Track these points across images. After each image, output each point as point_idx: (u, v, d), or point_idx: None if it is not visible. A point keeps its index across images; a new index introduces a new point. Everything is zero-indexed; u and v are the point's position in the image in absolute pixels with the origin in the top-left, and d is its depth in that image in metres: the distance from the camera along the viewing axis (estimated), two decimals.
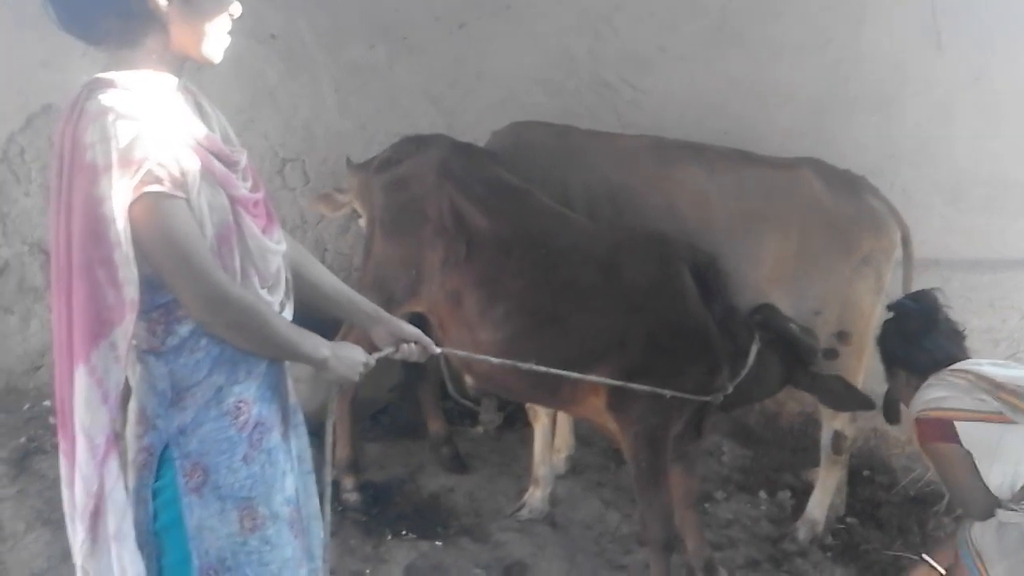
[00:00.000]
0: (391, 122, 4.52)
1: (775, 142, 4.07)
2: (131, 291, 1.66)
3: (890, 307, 2.98)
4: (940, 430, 2.61)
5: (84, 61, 4.39)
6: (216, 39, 1.80)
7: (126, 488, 1.77)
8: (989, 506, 2.56)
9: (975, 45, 4.24)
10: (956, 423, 2.58)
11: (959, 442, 2.58)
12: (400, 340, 2.17)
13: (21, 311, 4.62)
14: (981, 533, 2.57)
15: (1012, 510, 2.51)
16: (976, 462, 2.56)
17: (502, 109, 4.49)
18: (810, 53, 4.38)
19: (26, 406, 4.50)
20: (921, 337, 2.81)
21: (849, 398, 3.28)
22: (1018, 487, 2.53)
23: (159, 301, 1.77)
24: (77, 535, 1.76)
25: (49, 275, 4.62)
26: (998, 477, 2.54)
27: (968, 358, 2.79)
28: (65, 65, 4.40)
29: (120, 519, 1.74)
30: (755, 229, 3.58)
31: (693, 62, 4.49)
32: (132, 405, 1.88)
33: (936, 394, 2.65)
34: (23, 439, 4.16)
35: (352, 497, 3.81)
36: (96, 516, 1.73)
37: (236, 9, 1.82)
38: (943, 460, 2.65)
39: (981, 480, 2.56)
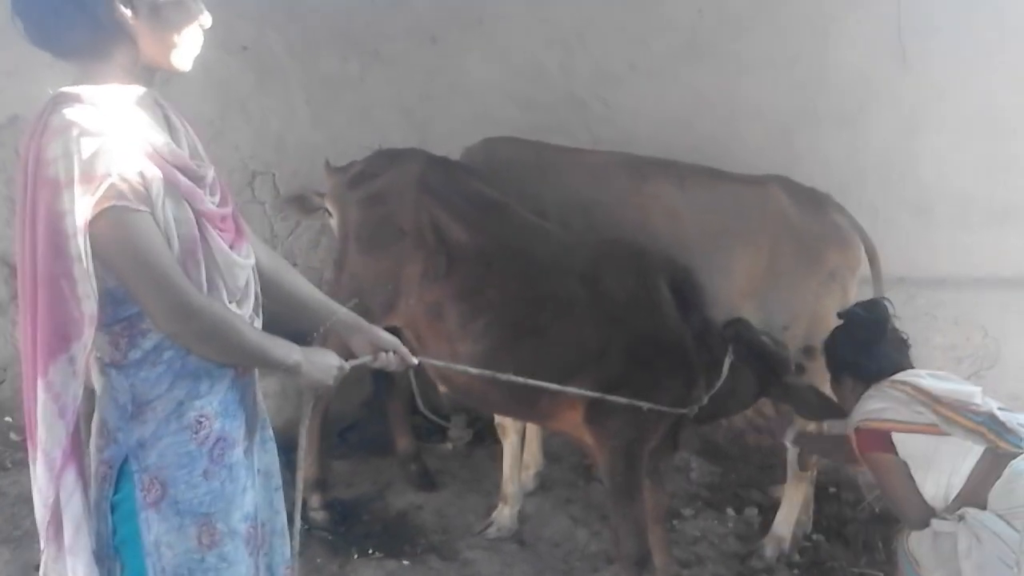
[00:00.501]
0: (363, 135, 4.50)
1: (743, 158, 4.10)
2: (90, 306, 1.66)
3: (841, 315, 3.03)
4: (878, 440, 2.68)
5: (51, 72, 4.35)
6: (186, 50, 1.80)
7: (85, 502, 1.77)
8: (925, 515, 2.63)
9: (940, 61, 4.29)
10: (893, 434, 2.65)
11: (895, 452, 2.65)
12: (378, 349, 2.15)
13: None
14: (918, 543, 2.63)
15: (946, 519, 2.57)
16: (912, 472, 2.63)
17: (474, 123, 4.48)
18: (778, 70, 4.42)
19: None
20: (870, 345, 2.88)
21: (822, 407, 3.27)
22: (951, 497, 2.59)
23: (122, 314, 1.76)
24: (40, 543, 1.78)
25: (13, 288, 4.60)
26: (932, 487, 2.61)
27: (912, 367, 2.86)
28: (31, 76, 4.32)
29: (75, 532, 1.75)
30: (726, 244, 3.62)
31: (663, 78, 4.51)
32: (95, 417, 1.88)
33: (875, 405, 2.72)
34: None
35: (319, 515, 3.78)
36: (54, 528, 1.75)
37: (206, 20, 1.82)
38: (881, 469, 2.72)
39: (917, 490, 2.63)
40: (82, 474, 1.78)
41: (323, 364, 1.97)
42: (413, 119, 4.64)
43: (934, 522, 2.60)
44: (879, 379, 2.79)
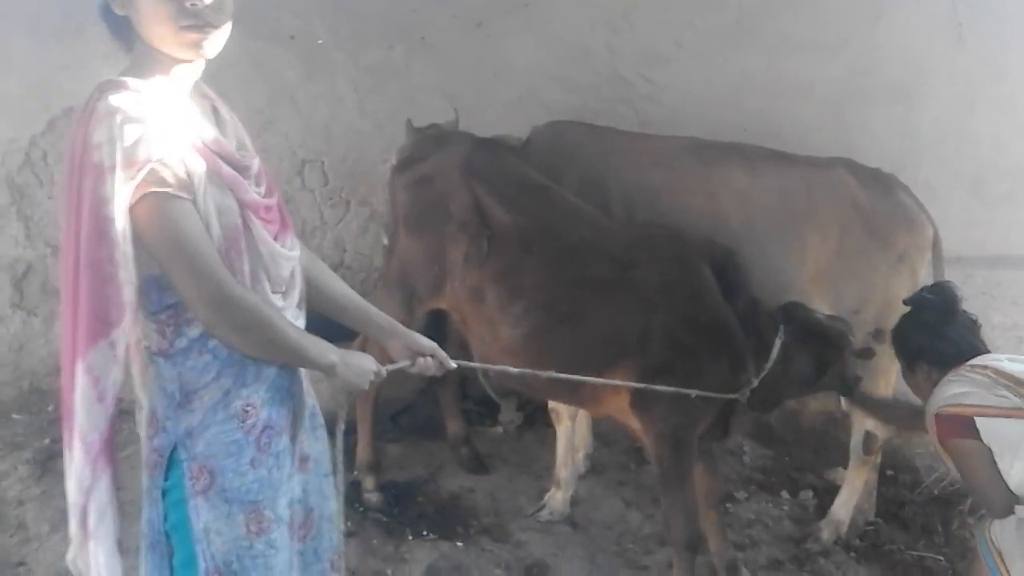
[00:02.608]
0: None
1: (794, 138, 4.06)
2: (130, 292, 1.69)
3: (907, 301, 2.95)
4: (960, 426, 2.59)
5: (104, 64, 4.43)
6: (182, 35, 1.71)
7: (112, 489, 1.79)
8: (1009, 503, 2.55)
9: (996, 37, 4.22)
10: (976, 419, 2.56)
11: (979, 438, 2.56)
12: (416, 353, 2.14)
13: (44, 313, 4.64)
14: (1001, 531, 2.57)
15: None
16: (996, 458, 2.54)
17: (520, 107, 4.50)
18: (828, 48, 4.36)
19: (50, 407, 4.51)
20: (943, 328, 2.80)
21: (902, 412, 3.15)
22: None
23: (167, 302, 1.78)
24: (70, 528, 1.80)
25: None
26: (1020, 473, 2.53)
27: (987, 349, 2.79)
28: (85, 69, 4.44)
29: (99, 518, 1.77)
30: (796, 228, 3.58)
31: (710, 58, 4.48)
32: (144, 406, 1.89)
33: (956, 390, 2.63)
34: (47, 440, 4.18)
35: (373, 497, 3.82)
36: (85, 512, 1.77)
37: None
38: (963, 457, 2.63)
39: (1000, 476, 2.55)
40: (112, 461, 1.79)
41: (359, 367, 1.95)
42: (459, 104, 4.60)
43: (1019, 509, 2.53)
44: (957, 364, 2.71)
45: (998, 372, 2.60)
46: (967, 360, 2.70)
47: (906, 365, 2.93)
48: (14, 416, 4.46)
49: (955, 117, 4.35)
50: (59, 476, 3.78)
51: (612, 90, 4.60)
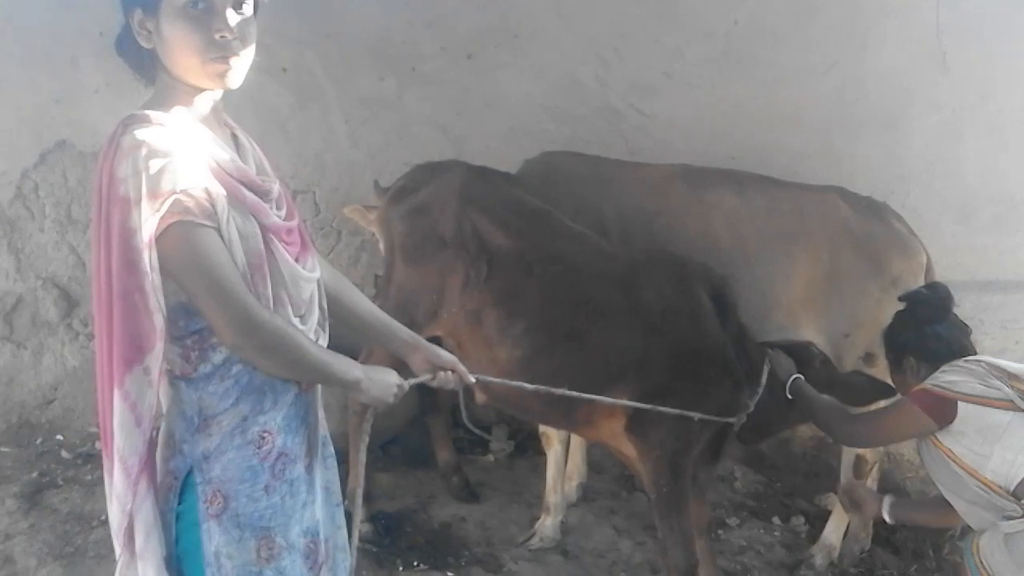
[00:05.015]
0: (401, 152, 4.55)
1: (783, 166, 4.09)
2: (160, 319, 1.71)
3: (903, 297, 2.97)
4: (938, 405, 2.62)
5: (96, 98, 4.48)
6: (209, 66, 1.75)
7: (155, 509, 1.81)
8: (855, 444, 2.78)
9: (980, 64, 4.26)
10: (961, 404, 2.58)
11: (942, 423, 2.60)
12: (437, 368, 2.17)
13: (34, 346, 4.64)
14: (991, 552, 2.56)
15: (1012, 518, 2.51)
16: (981, 444, 2.56)
17: (510, 137, 4.53)
18: (816, 77, 4.40)
19: (38, 440, 4.51)
20: (934, 324, 2.82)
21: (872, 389, 3.15)
22: (1015, 478, 2.52)
23: (194, 327, 1.80)
24: (116, 550, 1.82)
25: (62, 309, 4.65)
26: (998, 462, 2.54)
27: (976, 352, 2.81)
28: (78, 102, 4.48)
29: (145, 538, 1.79)
30: (788, 251, 3.63)
31: (699, 88, 4.51)
32: (161, 429, 1.91)
33: (950, 377, 2.66)
34: (35, 474, 4.17)
35: (363, 528, 3.78)
36: (129, 534, 1.80)
37: (223, 30, 1.73)
38: (904, 419, 2.70)
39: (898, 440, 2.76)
40: (153, 482, 1.83)
41: (383, 382, 1.98)
42: (450, 135, 4.67)
43: (1002, 524, 2.53)
44: (945, 360, 2.73)
45: (991, 364, 2.64)
46: (957, 359, 2.73)
47: (893, 360, 2.95)
48: (2, 449, 4.43)
49: (942, 144, 4.39)
50: (47, 510, 3.83)
51: (602, 121, 4.63)
